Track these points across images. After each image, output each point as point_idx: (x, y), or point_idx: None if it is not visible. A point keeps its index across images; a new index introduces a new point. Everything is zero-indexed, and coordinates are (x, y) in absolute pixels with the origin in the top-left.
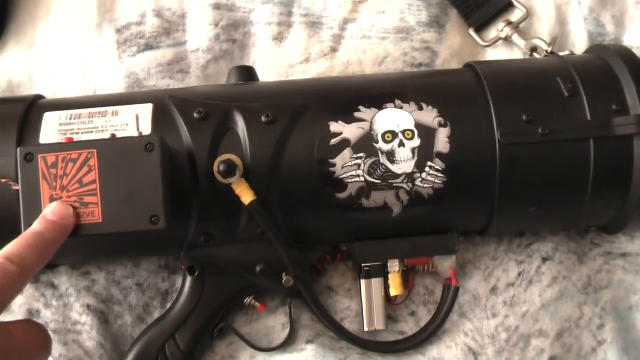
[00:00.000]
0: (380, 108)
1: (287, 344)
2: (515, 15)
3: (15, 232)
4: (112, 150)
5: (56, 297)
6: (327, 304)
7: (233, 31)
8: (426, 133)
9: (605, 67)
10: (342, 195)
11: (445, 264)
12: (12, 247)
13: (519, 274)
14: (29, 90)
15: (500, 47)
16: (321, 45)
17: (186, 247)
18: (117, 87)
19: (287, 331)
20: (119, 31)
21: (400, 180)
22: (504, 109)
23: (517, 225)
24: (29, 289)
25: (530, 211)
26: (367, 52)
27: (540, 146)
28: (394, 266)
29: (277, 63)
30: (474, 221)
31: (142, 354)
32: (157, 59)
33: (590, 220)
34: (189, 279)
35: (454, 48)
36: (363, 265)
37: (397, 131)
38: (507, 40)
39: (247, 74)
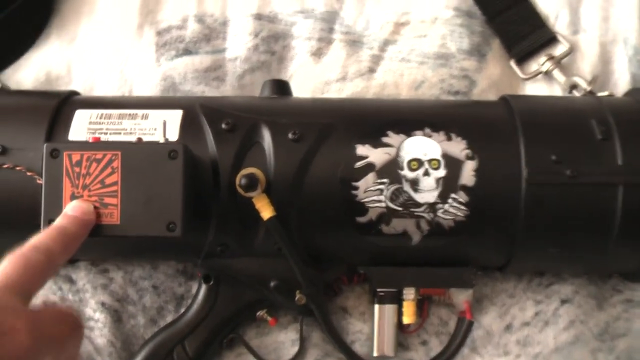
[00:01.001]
0: (408, 134)
1: None
2: (559, 50)
3: (32, 225)
4: (136, 154)
5: (72, 291)
6: (340, 325)
7: (272, 43)
8: (452, 164)
9: None
10: (362, 219)
11: (461, 297)
12: (38, 238)
13: (536, 314)
14: (66, 84)
15: (540, 81)
16: (359, 64)
17: (203, 255)
18: (153, 89)
19: (296, 348)
20: (159, 33)
21: (422, 209)
22: (533, 147)
23: (537, 264)
24: None
25: (551, 252)
26: (404, 76)
27: (566, 188)
28: (409, 294)
29: (313, 79)
30: (493, 257)
31: (150, 356)
32: (194, 64)
33: (613, 267)
34: (203, 287)
35: (492, 78)
36: (378, 290)
37: (423, 160)
38: (548, 74)
39: (281, 87)
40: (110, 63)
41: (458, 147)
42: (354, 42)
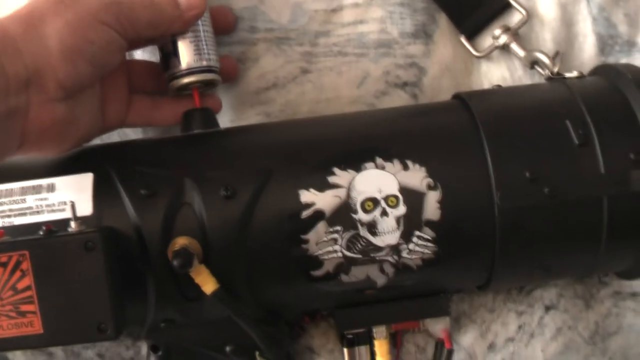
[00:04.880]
0: (358, 169)
1: None
2: (514, 19)
3: None
4: (46, 251)
5: None
6: None
7: None
8: (413, 198)
9: (621, 102)
10: (318, 273)
11: (438, 326)
12: None
13: (519, 327)
14: None
15: (497, 58)
16: (290, 65)
17: (145, 332)
18: None
19: None
20: None
21: (383, 253)
22: (503, 164)
23: (519, 283)
24: None
25: (534, 272)
26: (343, 73)
27: (545, 208)
28: (380, 332)
29: (240, 90)
30: (469, 283)
31: None
32: None
33: (602, 273)
34: (152, 357)
35: (444, 62)
36: (346, 332)
37: (378, 198)
38: (505, 49)
39: (204, 119)
40: None
41: (417, 177)
42: (281, 40)
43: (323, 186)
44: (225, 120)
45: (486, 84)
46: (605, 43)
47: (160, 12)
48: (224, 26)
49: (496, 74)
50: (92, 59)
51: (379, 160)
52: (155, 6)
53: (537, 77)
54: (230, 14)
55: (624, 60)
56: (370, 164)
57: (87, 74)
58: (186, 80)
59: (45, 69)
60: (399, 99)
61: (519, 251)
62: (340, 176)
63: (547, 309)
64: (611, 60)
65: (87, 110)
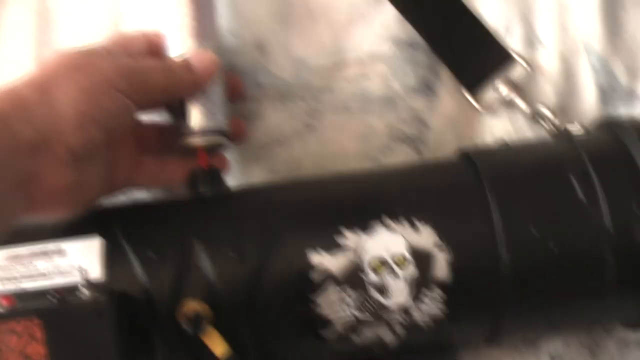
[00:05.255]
0: (366, 230)
1: None
2: (516, 71)
3: None
4: (58, 318)
5: None
6: None
7: None
8: (422, 259)
9: (624, 155)
10: (328, 334)
11: None
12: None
13: None
14: None
15: (500, 111)
16: (294, 121)
17: None
18: None
19: None
20: None
21: (394, 313)
22: (510, 222)
23: (527, 337)
24: None
25: (540, 328)
26: (346, 128)
27: (552, 264)
28: None
29: (244, 145)
30: (478, 338)
31: None
32: None
33: (609, 323)
34: None
35: (447, 116)
36: None
37: (387, 259)
38: (508, 102)
39: (211, 178)
40: None
41: (425, 237)
42: (284, 96)
43: (332, 247)
44: (229, 176)
45: (489, 137)
46: (605, 93)
47: (174, 78)
48: (233, 96)
49: (499, 127)
50: (103, 124)
51: (387, 220)
52: (169, 72)
53: (540, 130)
54: (240, 84)
55: (624, 109)
56: (378, 224)
57: (98, 139)
58: (194, 141)
59: (56, 135)
60: (403, 154)
61: (526, 307)
62: (348, 237)
63: (553, 358)
64: (611, 109)
65: (96, 173)
